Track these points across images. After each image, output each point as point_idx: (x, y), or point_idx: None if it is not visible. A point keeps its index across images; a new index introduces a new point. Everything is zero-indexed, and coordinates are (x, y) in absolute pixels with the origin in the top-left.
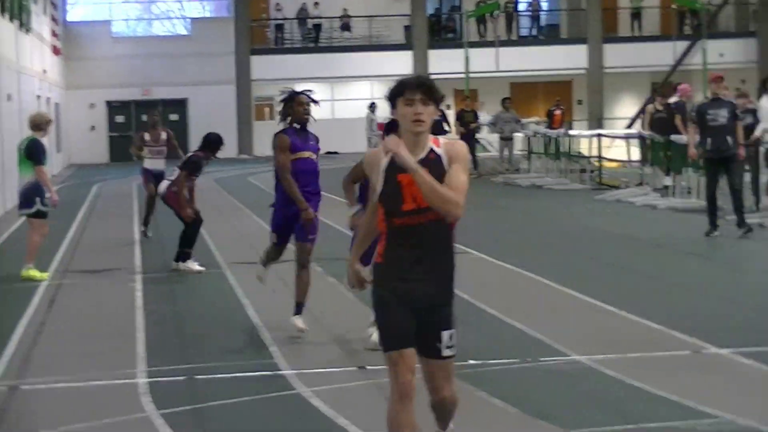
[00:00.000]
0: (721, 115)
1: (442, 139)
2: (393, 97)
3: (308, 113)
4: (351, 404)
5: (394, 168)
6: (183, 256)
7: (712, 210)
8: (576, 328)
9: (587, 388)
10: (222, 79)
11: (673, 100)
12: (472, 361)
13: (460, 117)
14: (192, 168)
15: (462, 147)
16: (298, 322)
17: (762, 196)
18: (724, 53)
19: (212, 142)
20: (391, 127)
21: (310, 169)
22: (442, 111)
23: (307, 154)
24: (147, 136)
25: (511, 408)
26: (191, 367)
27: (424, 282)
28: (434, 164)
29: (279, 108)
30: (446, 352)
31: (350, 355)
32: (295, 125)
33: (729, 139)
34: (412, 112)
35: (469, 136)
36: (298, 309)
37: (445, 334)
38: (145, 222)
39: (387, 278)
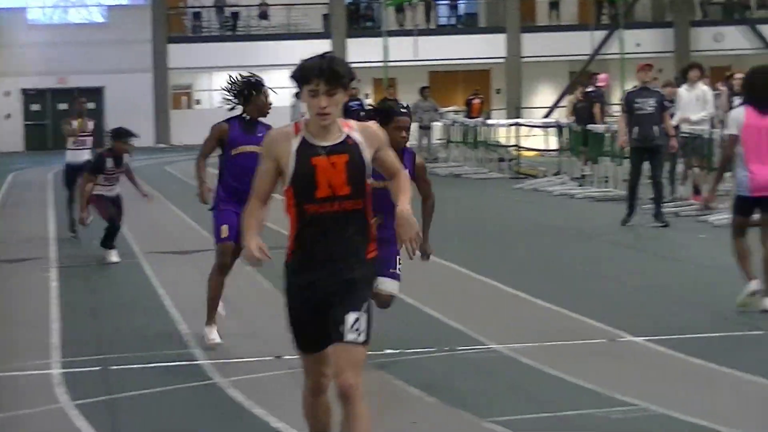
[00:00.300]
0: (649, 104)
1: (352, 122)
2: (296, 81)
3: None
4: (268, 394)
5: (308, 150)
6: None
7: (632, 198)
8: (494, 317)
9: (504, 376)
10: (139, 68)
11: (590, 89)
12: (389, 351)
13: None
14: (91, 168)
15: (377, 129)
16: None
17: (677, 186)
18: (641, 43)
19: (113, 137)
20: (382, 115)
21: (254, 166)
22: (360, 100)
23: (251, 148)
24: (75, 125)
25: (429, 397)
26: (106, 358)
27: (337, 273)
28: (353, 150)
29: (233, 90)
30: (349, 336)
31: (267, 344)
32: (245, 116)
33: (656, 128)
34: (317, 104)
35: None
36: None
37: (350, 317)
38: (72, 227)
39: (299, 277)
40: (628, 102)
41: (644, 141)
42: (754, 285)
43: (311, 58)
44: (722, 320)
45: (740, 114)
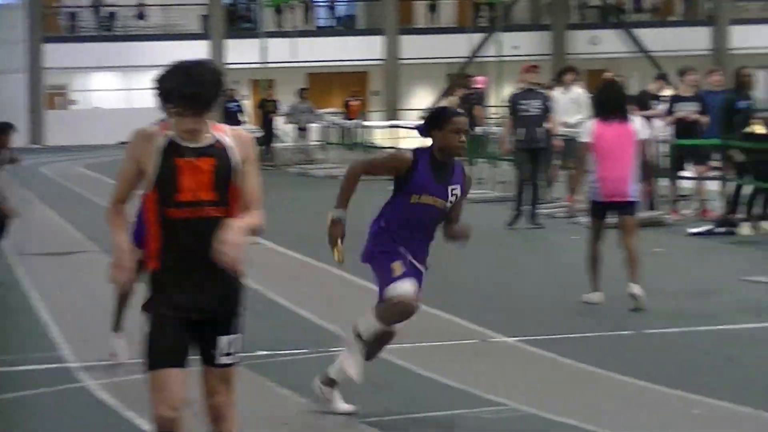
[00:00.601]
0: (534, 106)
1: (225, 126)
2: (159, 97)
3: None
4: (138, 396)
5: (173, 150)
6: None
7: (519, 200)
8: None
9: (377, 377)
10: (13, 68)
11: (468, 92)
12: (261, 352)
13: (261, 106)
14: None
15: (251, 141)
16: None
17: (552, 187)
18: (519, 45)
19: None
20: (436, 117)
21: None
22: (238, 101)
23: None
24: None
25: (300, 398)
26: None
27: (205, 287)
28: (222, 154)
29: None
30: (222, 360)
31: (137, 346)
32: None
33: (540, 130)
34: (183, 124)
35: (269, 125)
36: None
37: (223, 340)
38: None
39: (163, 289)
40: (513, 103)
41: (529, 143)
42: (596, 298)
43: (177, 68)
44: (592, 321)
45: (591, 122)
